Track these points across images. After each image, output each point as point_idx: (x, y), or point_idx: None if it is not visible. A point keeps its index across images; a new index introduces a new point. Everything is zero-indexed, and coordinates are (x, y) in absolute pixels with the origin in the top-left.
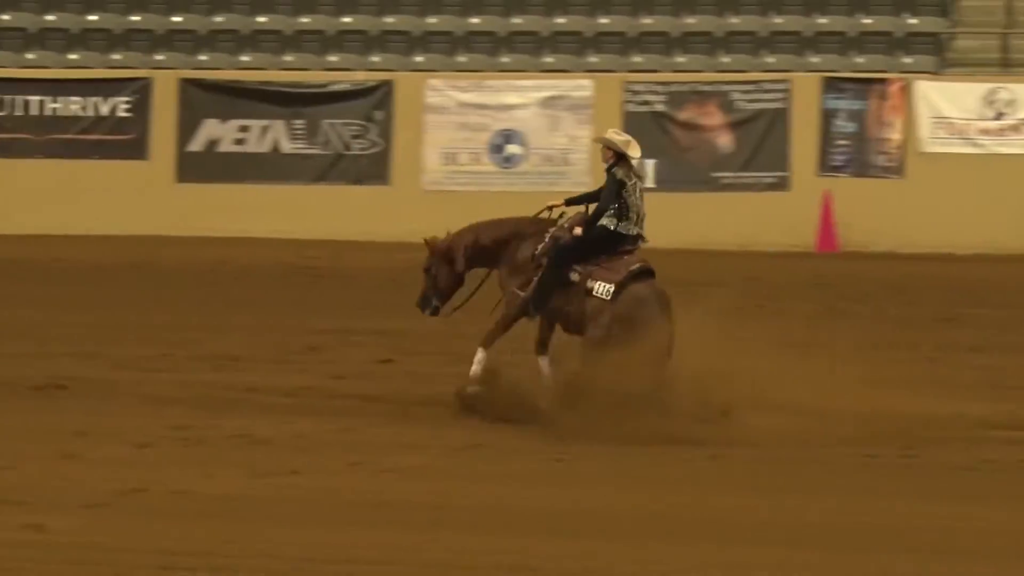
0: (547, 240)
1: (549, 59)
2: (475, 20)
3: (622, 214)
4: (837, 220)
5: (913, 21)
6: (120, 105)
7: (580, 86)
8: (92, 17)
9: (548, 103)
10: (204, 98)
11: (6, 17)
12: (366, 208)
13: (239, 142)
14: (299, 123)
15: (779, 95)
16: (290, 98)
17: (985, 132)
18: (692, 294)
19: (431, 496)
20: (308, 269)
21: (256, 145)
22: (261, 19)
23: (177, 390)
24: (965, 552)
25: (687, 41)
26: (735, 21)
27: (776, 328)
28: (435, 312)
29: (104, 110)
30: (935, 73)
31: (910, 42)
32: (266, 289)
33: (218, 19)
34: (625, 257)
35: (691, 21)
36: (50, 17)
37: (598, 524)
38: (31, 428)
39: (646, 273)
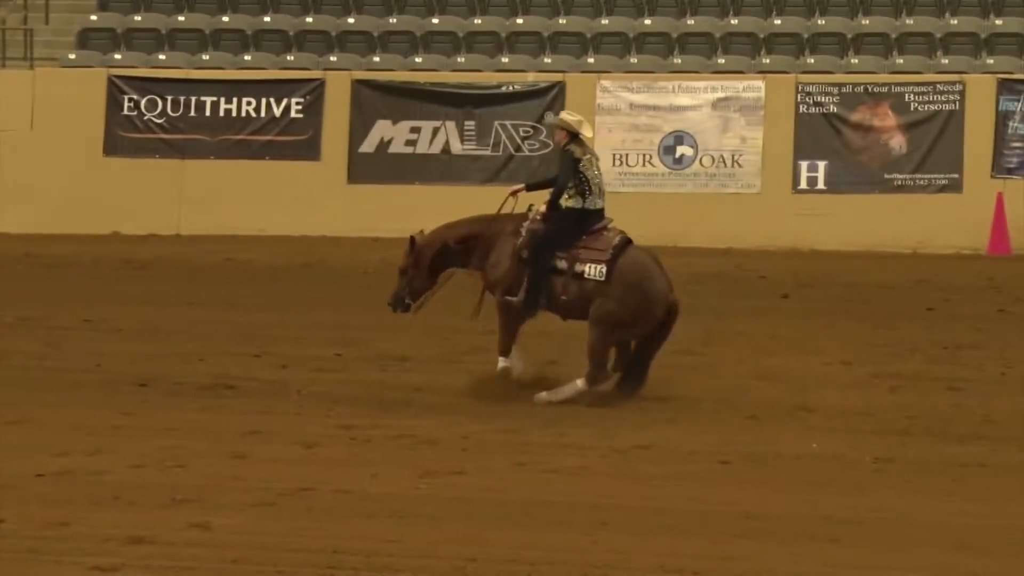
0: (524, 235)
1: (721, 60)
2: (647, 21)
3: (585, 190)
4: (1010, 222)
5: None
6: (293, 106)
7: (752, 87)
8: (266, 18)
9: (720, 104)
10: (376, 99)
11: (181, 18)
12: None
13: (410, 143)
14: (470, 124)
15: (953, 96)
16: (461, 99)
17: None
18: (864, 297)
19: (595, 497)
20: None
21: (427, 146)
22: (434, 20)
23: (345, 390)
24: None
25: (861, 42)
26: (910, 22)
27: (944, 330)
28: (406, 309)
29: (277, 111)
30: None
31: None
32: None
33: (392, 20)
34: (604, 234)
35: (865, 22)
36: (225, 18)
37: (760, 526)
38: (201, 427)
39: (627, 243)
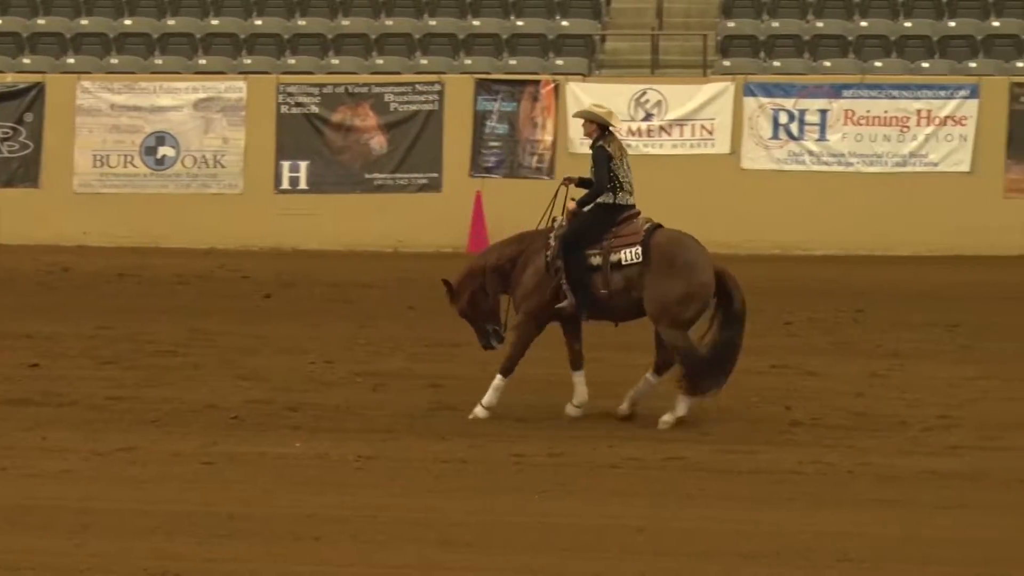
0: (553, 244)
1: (202, 60)
2: (127, 21)
3: (615, 187)
4: (488, 220)
5: (565, 24)
6: None
7: (234, 88)
8: None
9: (201, 105)
10: None
11: None
12: (16, 211)
13: None
14: None
15: (432, 96)
16: None
17: (634, 133)
18: (346, 296)
19: (78, 501)
20: None
21: None
22: None
23: None
24: (611, 549)
25: (341, 43)
26: (389, 23)
27: (426, 328)
28: (500, 339)
29: None
30: (586, 75)
31: (562, 44)
32: None
33: None
34: (632, 222)
35: (345, 23)
36: None
37: (244, 527)
38: None
39: (658, 226)
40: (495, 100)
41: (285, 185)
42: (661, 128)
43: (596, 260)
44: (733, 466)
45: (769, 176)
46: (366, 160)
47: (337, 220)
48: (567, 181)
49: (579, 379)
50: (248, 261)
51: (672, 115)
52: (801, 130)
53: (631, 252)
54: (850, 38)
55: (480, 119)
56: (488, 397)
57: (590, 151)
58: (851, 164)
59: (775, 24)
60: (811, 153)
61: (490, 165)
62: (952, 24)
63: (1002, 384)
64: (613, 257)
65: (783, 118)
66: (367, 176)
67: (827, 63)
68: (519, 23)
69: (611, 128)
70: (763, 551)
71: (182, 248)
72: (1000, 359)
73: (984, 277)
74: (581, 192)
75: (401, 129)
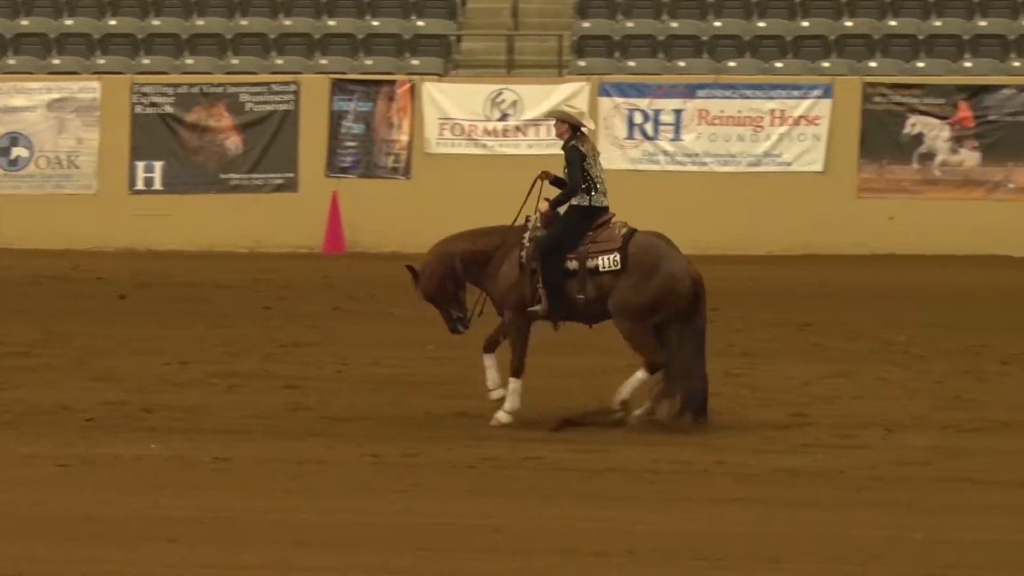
0: (528, 245)
1: (56, 61)
2: None
3: (590, 187)
4: (344, 221)
5: (421, 24)
6: None
7: (88, 88)
8: None
9: (55, 105)
10: None
11: None
12: None
13: None
14: None
15: (288, 97)
16: None
17: (490, 133)
18: (202, 296)
19: None
20: None
21: None
22: None
23: None
24: (467, 548)
25: (196, 43)
26: (244, 23)
27: (282, 329)
28: (465, 325)
29: None
30: (442, 75)
31: (418, 44)
32: None
33: None
34: (609, 227)
35: (200, 23)
36: None
37: (99, 529)
38: None
39: (634, 231)
40: (351, 100)
41: (140, 186)
42: (517, 128)
43: (572, 265)
44: (590, 465)
45: (624, 176)
46: (221, 160)
47: (192, 220)
48: (543, 176)
49: (490, 362)
50: (103, 262)
51: (528, 115)
52: (656, 130)
53: (609, 259)
54: (704, 38)
55: (336, 119)
56: (509, 402)
57: (562, 151)
58: (705, 164)
59: (630, 24)
60: (666, 153)
61: (346, 165)
62: (805, 24)
63: (854, 382)
64: (590, 263)
65: (638, 118)
66: (222, 176)
67: (681, 63)
68: (375, 23)
69: (583, 128)
70: (619, 550)
71: (36, 249)
72: (852, 358)
73: (836, 276)
74: (555, 191)
75: (257, 129)
